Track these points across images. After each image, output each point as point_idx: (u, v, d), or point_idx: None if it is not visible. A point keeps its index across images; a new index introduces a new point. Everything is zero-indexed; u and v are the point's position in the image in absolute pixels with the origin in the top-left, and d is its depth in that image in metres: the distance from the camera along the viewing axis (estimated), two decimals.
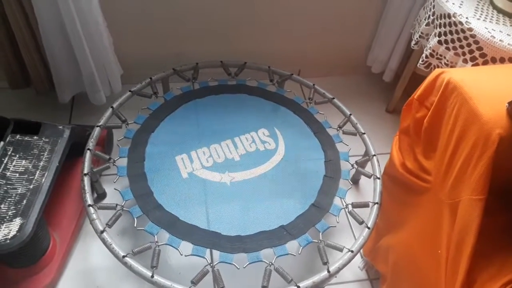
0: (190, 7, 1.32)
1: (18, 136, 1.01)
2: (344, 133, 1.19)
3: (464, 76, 0.75)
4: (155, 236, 0.91)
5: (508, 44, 0.96)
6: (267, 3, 1.36)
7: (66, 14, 1.07)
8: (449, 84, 0.75)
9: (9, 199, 0.90)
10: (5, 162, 0.96)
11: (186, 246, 0.90)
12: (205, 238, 0.93)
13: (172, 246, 0.90)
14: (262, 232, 0.96)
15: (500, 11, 1.09)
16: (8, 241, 0.84)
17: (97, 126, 1.09)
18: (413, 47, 1.29)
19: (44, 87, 1.31)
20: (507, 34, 1.00)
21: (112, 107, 1.13)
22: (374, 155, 1.12)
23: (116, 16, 1.26)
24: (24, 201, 0.90)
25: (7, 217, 0.87)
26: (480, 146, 0.67)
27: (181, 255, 0.89)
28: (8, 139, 1.00)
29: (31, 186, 0.93)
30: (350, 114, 1.21)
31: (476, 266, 0.69)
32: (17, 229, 0.86)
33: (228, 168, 1.08)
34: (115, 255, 0.87)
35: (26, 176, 0.95)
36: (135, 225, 0.93)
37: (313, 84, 1.28)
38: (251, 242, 0.93)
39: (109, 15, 1.19)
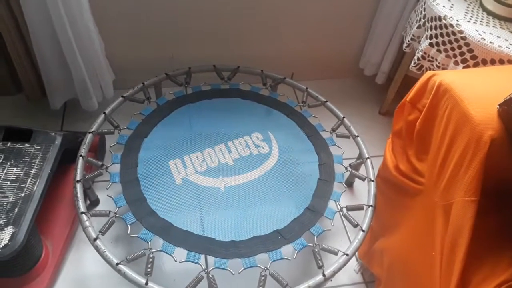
0: (182, 11, 1.32)
1: (9, 144, 1.00)
2: (337, 136, 1.19)
3: (455, 78, 0.75)
4: (149, 243, 0.91)
5: (498, 46, 0.97)
6: (259, 7, 1.36)
7: (57, 20, 1.07)
8: (440, 86, 0.75)
9: (0, 208, 0.89)
10: None
11: (181, 253, 0.90)
12: (200, 244, 0.92)
13: (166, 253, 0.89)
14: (257, 237, 0.96)
15: (490, 13, 1.10)
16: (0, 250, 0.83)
17: (89, 132, 1.08)
18: (405, 49, 1.29)
19: (35, 93, 1.30)
20: (497, 36, 1.01)
21: (104, 113, 1.13)
22: (368, 157, 1.12)
23: (107, 21, 1.26)
24: (16, 210, 0.89)
25: None
26: (472, 148, 0.67)
27: (176, 261, 0.88)
28: None
29: (22, 194, 0.92)
30: (343, 117, 1.21)
31: (470, 267, 0.69)
32: (8, 238, 0.85)
33: (222, 172, 1.07)
34: (109, 262, 0.86)
35: (17, 184, 0.94)
36: (128, 232, 0.92)
37: (306, 88, 1.28)
38: (245, 247, 0.93)
39: (100, 20, 1.19)
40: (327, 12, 1.42)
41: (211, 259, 0.91)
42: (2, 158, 0.97)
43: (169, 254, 0.89)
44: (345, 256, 0.91)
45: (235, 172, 1.08)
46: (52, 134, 1.05)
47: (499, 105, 0.67)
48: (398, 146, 0.90)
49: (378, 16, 1.43)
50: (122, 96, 1.17)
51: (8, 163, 0.97)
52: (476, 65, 1.02)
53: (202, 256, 0.90)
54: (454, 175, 0.71)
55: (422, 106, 0.80)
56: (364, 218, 0.99)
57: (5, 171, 0.95)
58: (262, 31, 1.44)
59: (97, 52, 1.21)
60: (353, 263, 1.16)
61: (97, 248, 0.88)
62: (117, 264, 0.85)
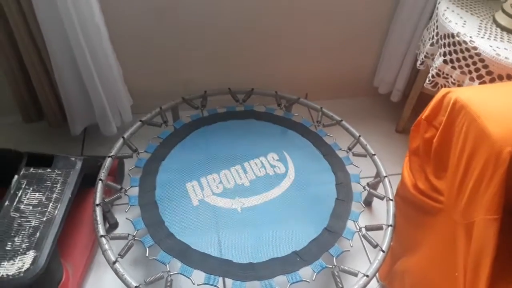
0: (196, 36, 1.35)
1: (31, 169, 1.03)
2: (354, 155, 1.19)
3: (471, 95, 0.75)
4: (167, 265, 0.91)
5: None
6: (271, 29, 1.39)
7: (77, 48, 1.11)
8: (456, 103, 0.75)
9: (22, 232, 0.91)
10: (19, 195, 0.97)
11: (199, 275, 0.90)
12: (217, 266, 0.92)
13: (185, 275, 0.89)
14: (275, 258, 0.95)
15: (503, 28, 1.09)
16: (22, 274, 0.84)
17: (109, 157, 1.10)
18: (419, 67, 1.29)
19: (57, 120, 1.34)
20: None
21: (123, 137, 1.15)
22: (386, 176, 1.11)
23: (124, 47, 1.30)
24: (38, 234, 0.91)
25: (21, 250, 0.88)
26: (492, 165, 0.66)
27: (194, 284, 0.88)
28: (22, 172, 1.02)
29: (44, 219, 0.94)
30: (359, 136, 1.21)
31: (495, 287, 0.67)
32: (30, 262, 0.86)
33: (238, 193, 1.08)
34: (128, 285, 0.87)
35: (39, 208, 0.96)
36: (147, 255, 0.93)
37: (321, 107, 1.29)
38: (263, 269, 0.92)
39: (117, 47, 1.23)
40: (339, 32, 1.44)
41: (229, 281, 0.90)
42: (25, 183, 1.00)
43: (187, 277, 0.89)
44: (365, 277, 0.90)
45: (251, 193, 1.08)
46: (72, 159, 1.07)
47: None
48: (416, 164, 0.89)
49: (390, 34, 1.43)
50: (140, 121, 1.20)
51: (31, 188, 0.99)
52: (492, 80, 1.01)
53: (220, 278, 0.90)
54: (474, 193, 0.70)
55: (438, 123, 0.80)
56: (384, 238, 0.97)
57: (28, 196, 0.98)
58: (275, 53, 1.46)
59: (116, 79, 1.24)
60: (374, 285, 1.13)
61: (116, 271, 0.88)
62: (136, 287, 0.86)
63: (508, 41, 1.05)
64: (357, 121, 1.30)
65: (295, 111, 1.33)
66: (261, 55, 1.46)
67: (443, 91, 0.79)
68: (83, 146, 1.42)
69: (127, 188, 1.07)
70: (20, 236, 0.90)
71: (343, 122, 1.25)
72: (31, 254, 0.88)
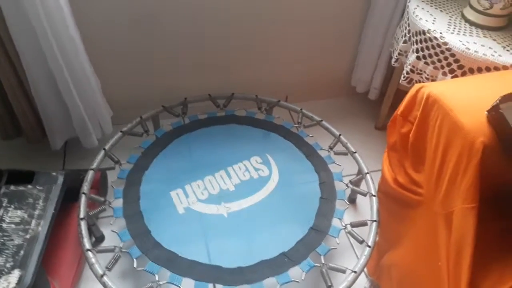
0: (174, 43, 1.35)
1: (12, 187, 1.01)
2: (335, 153, 1.21)
3: (443, 89, 0.77)
4: (156, 275, 0.90)
5: (483, 54, 1.00)
6: (250, 35, 1.40)
7: (52, 61, 1.09)
8: (429, 97, 0.77)
9: (6, 251, 0.89)
10: (1, 214, 0.96)
11: (188, 283, 0.90)
12: (207, 273, 0.92)
13: (174, 284, 0.89)
14: (263, 261, 0.95)
15: (472, 23, 1.13)
16: None
17: (91, 169, 1.09)
18: (393, 64, 1.32)
19: (36, 135, 1.32)
20: (481, 45, 1.04)
21: (104, 149, 1.14)
22: (367, 172, 1.13)
23: (101, 58, 1.29)
24: (22, 252, 0.90)
25: (5, 269, 0.86)
26: (466, 155, 0.68)
27: None
28: (2, 190, 1.00)
29: (27, 236, 0.93)
30: (340, 135, 1.23)
31: (478, 275, 0.69)
32: (16, 281, 0.85)
33: (224, 198, 1.08)
34: None
35: (22, 226, 0.94)
36: (135, 266, 0.92)
37: (301, 109, 1.31)
38: (253, 272, 0.93)
39: (94, 58, 1.22)
40: (315, 35, 1.46)
41: (219, 287, 0.90)
42: (6, 201, 0.98)
43: (177, 286, 0.89)
44: (353, 273, 0.91)
45: (237, 197, 1.09)
46: (54, 174, 1.06)
47: (488, 111, 0.68)
48: (395, 159, 0.91)
49: (365, 35, 1.46)
50: (120, 131, 1.19)
51: (12, 206, 0.98)
52: (463, 74, 1.04)
53: (210, 285, 0.90)
54: (451, 184, 0.72)
55: (413, 118, 0.82)
56: (369, 234, 0.99)
57: (9, 214, 0.96)
58: (255, 58, 1.48)
59: (94, 90, 1.23)
60: (363, 280, 1.15)
61: (104, 285, 0.88)
62: None
63: (477, 36, 1.08)
64: (337, 121, 1.32)
65: (276, 114, 1.34)
66: (240, 60, 1.47)
67: (416, 86, 0.82)
68: (65, 161, 1.41)
69: (111, 200, 1.06)
70: (4, 256, 0.89)
71: (323, 122, 1.27)
72: (16, 273, 0.86)
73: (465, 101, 0.73)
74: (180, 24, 1.31)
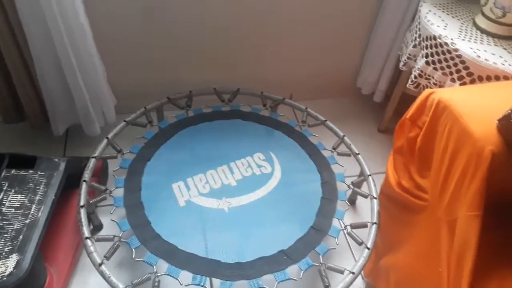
0: (182, 35, 1.35)
1: (13, 171, 1.01)
2: (338, 154, 1.20)
3: (454, 95, 0.77)
4: (154, 267, 0.90)
5: (494, 62, 0.99)
6: (258, 31, 1.39)
7: (60, 47, 1.09)
8: (439, 103, 0.77)
9: (5, 235, 0.89)
10: (1, 197, 0.95)
11: (186, 276, 0.89)
12: (205, 267, 0.92)
13: (172, 276, 0.89)
14: (262, 257, 0.95)
15: (483, 31, 1.13)
16: (4, 278, 0.82)
17: (93, 157, 1.08)
18: (401, 68, 1.32)
19: (39, 120, 1.31)
20: (492, 53, 1.03)
21: (107, 137, 1.14)
22: (370, 175, 1.13)
23: (108, 46, 1.28)
24: (21, 237, 0.89)
25: (4, 253, 0.86)
26: (474, 163, 0.68)
27: (181, 284, 0.88)
28: (3, 174, 0.99)
29: (27, 221, 0.92)
30: (344, 135, 1.22)
31: (477, 283, 0.69)
32: (13, 266, 0.84)
33: (225, 193, 1.08)
34: None
35: (22, 211, 0.94)
36: (133, 256, 0.92)
37: (306, 108, 1.30)
38: (251, 268, 0.93)
39: (101, 46, 1.21)
40: (323, 33, 1.46)
41: (216, 281, 0.90)
42: (6, 185, 0.98)
43: (174, 278, 0.89)
44: (351, 274, 0.91)
45: (238, 193, 1.08)
46: (55, 160, 1.05)
47: (498, 120, 0.68)
48: (400, 163, 0.91)
49: (373, 37, 1.46)
50: (124, 121, 1.19)
51: (13, 190, 0.97)
52: (472, 82, 1.04)
53: (208, 278, 0.90)
54: (457, 191, 0.72)
55: (422, 123, 0.82)
56: (369, 236, 0.99)
57: (9, 198, 0.95)
58: (261, 54, 1.47)
59: (99, 78, 1.23)
60: (360, 282, 1.15)
61: (102, 274, 0.87)
62: None
63: (487, 43, 1.08)
64: (341, 121, 1.31)
65: (281, 112, 1.34)
66: (247, 56, 1.46)
67: (426, 91, 0.81)
68: (65, 147, 1.40)
69: (112, 189, 1.05)
70: (3, 240, 0.88)
71: (328, 122, 1.27)
72: (14, 257, 0.86)
73: (475, 108, 0.73)
74: (190, 16, 1.30)
